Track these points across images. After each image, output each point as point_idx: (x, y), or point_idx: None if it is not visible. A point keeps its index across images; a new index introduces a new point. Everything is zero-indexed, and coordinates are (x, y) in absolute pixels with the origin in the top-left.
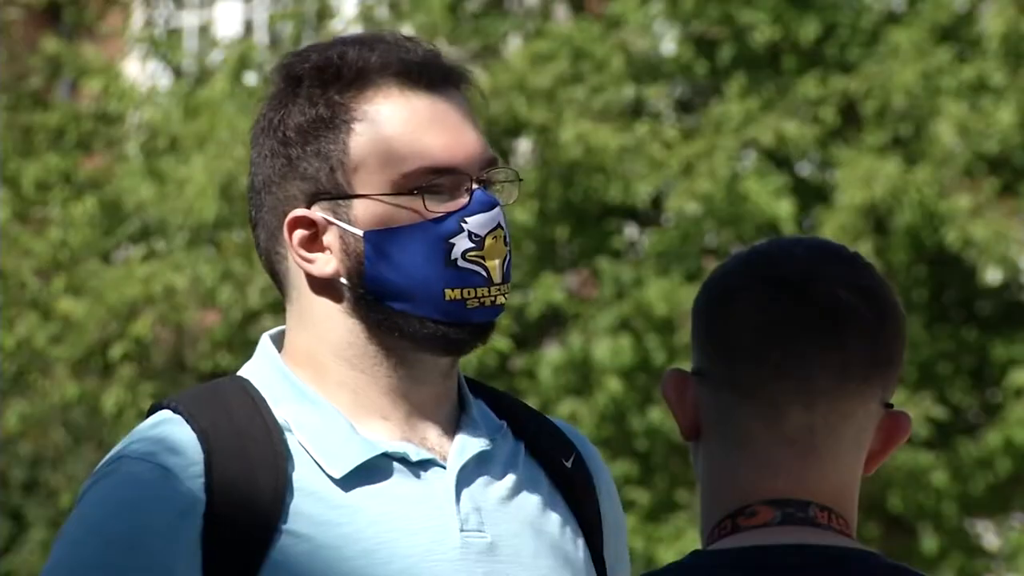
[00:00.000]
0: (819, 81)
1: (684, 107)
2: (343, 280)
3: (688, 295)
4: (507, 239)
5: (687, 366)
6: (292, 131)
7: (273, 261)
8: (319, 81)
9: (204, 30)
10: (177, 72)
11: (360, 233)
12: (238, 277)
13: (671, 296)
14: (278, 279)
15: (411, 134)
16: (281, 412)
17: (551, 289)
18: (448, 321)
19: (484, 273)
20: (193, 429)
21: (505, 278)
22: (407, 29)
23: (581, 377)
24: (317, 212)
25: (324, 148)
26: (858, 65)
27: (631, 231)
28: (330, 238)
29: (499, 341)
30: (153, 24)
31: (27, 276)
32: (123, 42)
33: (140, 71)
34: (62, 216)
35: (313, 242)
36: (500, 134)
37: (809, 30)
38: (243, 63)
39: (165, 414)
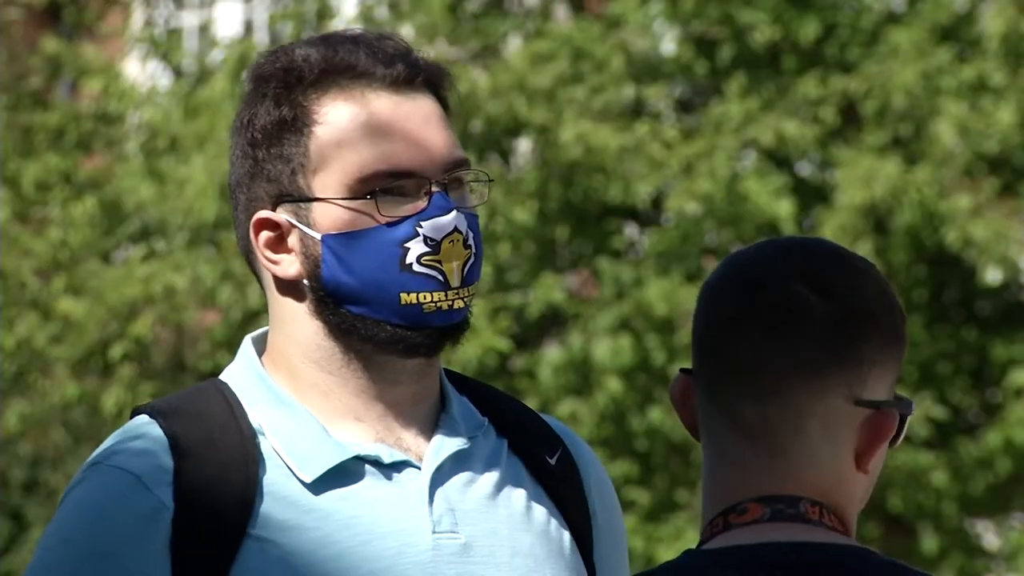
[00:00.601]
0: (819, 81)
1: (684, 107)
2: (305, 282)
3: (688, 295)
4: (469, 242)
5: (687, 366)
6: (259, 132)
7: (250, 261)
8: (284, 82)
9: (204, 30)
10: (177, 72)
11: (318, 237)
12: (238, 277)
13: (671, 296)
14: (256, 277)
15: (369, 137)
16: (256, 416)
17: (551, 289)
18: (406, 325)
19: (440, 277)
20: (165, 434)
21: (466, 281)
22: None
23: (581, 377)
24: (281, 214)
25: (287, 150)
26: (858, 65)
27: (631, 231)
28: (293, 240)
29: (499, 341)
30: (153, 24)
31: (27, 276)
32: (123, 42)
33: (140, 71)
34: (62, 216)
35: (279, 244)
36: (500, 134)
37: (809, 30)
38: (243, 63)
39: (142, 419)
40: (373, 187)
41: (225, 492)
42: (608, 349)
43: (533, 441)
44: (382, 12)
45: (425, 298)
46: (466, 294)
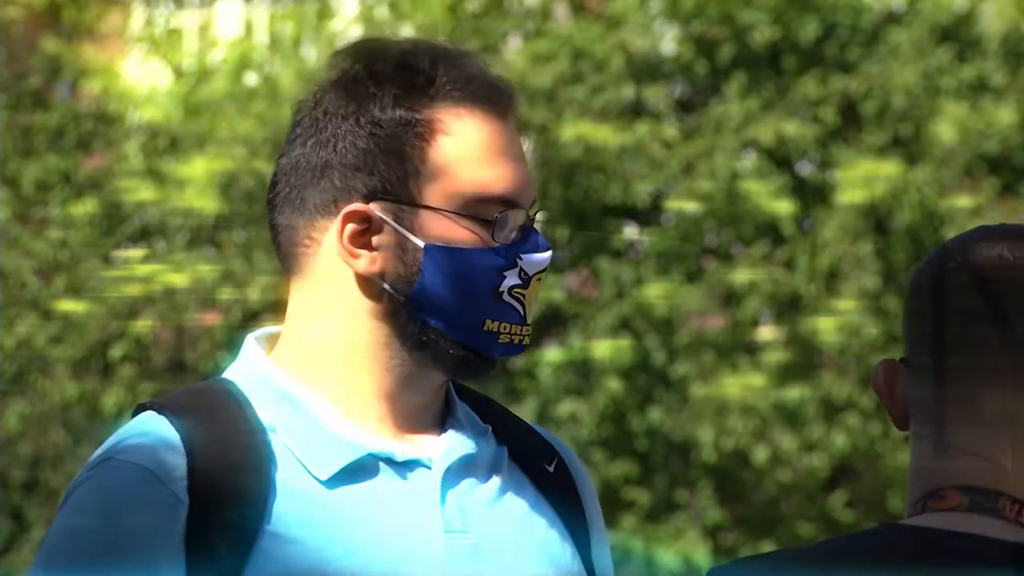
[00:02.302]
0: (819, 81)
1: (684, 107)
2: (385, 284)
3: (688, 295)
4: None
5: (687, 366)
6: (372, 125)
7: (297, 243)
8: (406, 84)
9: (204, 30)
10: (177, 72)
11: (421, 244)
12: (238, 277)
13: (671, 296)
14: (296, 263)
15: (493, 159)
16: (266, 414)
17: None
18: (475, 350)
19: (521, 311)
20: (177, 430)
21: (531, 319)
22: (407, 29)
23: (581, 377)
24: (377, 211)
25: (403, 151)
26: (858, 65)
27: (631, 231)
28: (383, 239)
29: None
30: (153, 24)
31: (27, 276)
32: (123, 42)
33: (140, 71)
34: (62, 216)
35: (361, 238)
36: None
37: (809, 30)
38: (243, 63)
39: (150, 415)
40: (489, 209)
41: (240, 488)
42: (608, 349)
43: (531, 450)
44: (382, 12)
45: (504, 328)
46: (529, 331)
